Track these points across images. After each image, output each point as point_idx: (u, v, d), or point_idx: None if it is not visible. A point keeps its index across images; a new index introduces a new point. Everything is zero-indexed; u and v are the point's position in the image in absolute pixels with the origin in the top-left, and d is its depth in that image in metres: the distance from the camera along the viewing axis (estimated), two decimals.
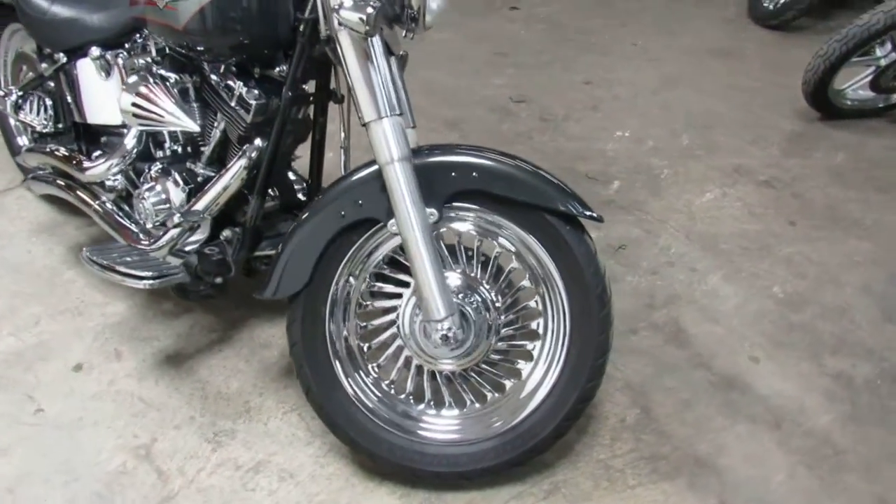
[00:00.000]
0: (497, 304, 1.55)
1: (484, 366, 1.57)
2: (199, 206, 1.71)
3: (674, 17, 4.53)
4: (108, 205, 1.91)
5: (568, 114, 3.28)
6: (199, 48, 1.59)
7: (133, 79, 1.69)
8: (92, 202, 1.94)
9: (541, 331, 1.56)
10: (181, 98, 1.71)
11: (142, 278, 1.61)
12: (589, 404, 1.53)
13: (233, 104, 1.63)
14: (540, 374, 1.54)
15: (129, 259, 1.69)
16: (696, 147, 3.04)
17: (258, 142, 1.65)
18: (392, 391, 1.60)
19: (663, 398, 1.83)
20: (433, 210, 1.43)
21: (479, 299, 1.53)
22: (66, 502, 1.57)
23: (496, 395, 1.58)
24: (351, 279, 1.55)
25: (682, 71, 3.77)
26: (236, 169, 1.68)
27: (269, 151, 1.64)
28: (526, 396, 1.55)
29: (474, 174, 1.44)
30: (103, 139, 1.99)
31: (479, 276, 1.56)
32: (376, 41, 1.39)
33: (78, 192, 1.99)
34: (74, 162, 1.96)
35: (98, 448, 1.68)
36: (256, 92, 1.59)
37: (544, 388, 1.53)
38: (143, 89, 1.65)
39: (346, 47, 1.37)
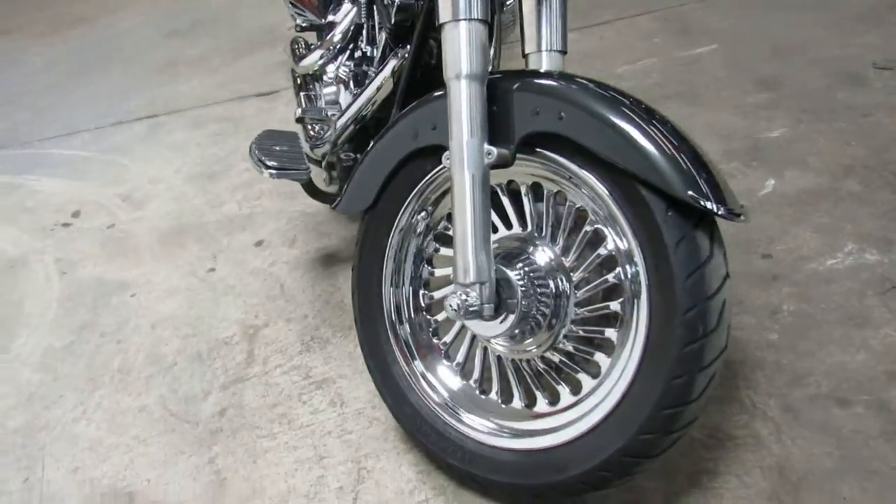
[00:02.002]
0: (565, 291, 1.18)
1: (540, 363, 1.23)
2: (349, 110, 1.65)
3: None
4: (303, 95, 1.97)
5: None
6: None
7: None
8: (298, 93, 2.02)
9: (611, 344, 1.15)
10: None
11: (267, 167, 1.63)
12: (645, 463, 1.09)
13: (385, 1, 1.51)
14: (595, 399, 1.14)
15: (276, 148, 1.72)
16: None
17: (403, 50, 1.50)
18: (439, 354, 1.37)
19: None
20: (501, 149, 1.12)
21: (544, 278, 1.18)
22: (175, 349, 1.74)
23: (546, 403, 1.23)
24: (423, 213, 1.33)
25: None
26: (381, 78, 1.57)
27: (409, 60, 1.48)
28: (567, 420, 1.17)
29: (563, 115, 1.08)
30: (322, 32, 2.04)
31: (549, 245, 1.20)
32: None
33: (297, 81, 2.09)
34: (297, 53, 2.07)
35: (225, 316, 1.82)
36: None
37: (588, 420, 1.13)
38: None
39: None
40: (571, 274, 1.18)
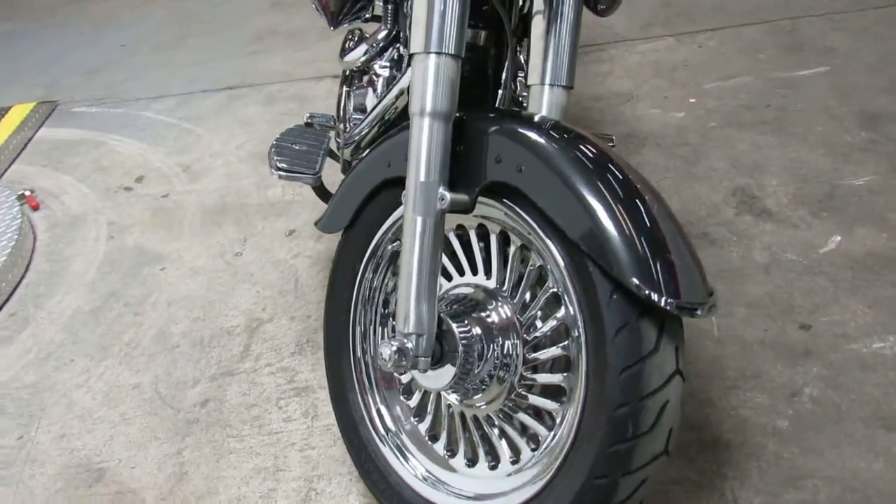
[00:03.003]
0: (516, 353, 1.09)
1: (487, 421, 1.15)
2: (371, 114, 1.61)
3: None
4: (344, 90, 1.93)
5: None
6: None
7: None
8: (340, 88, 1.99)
9: (552, 419, 1.05)
10: None
11: (277, 167, 1.61)
12: None
13: (404, 9, 1.44)
14: (530, 473, 1.05)
15: (295, 147, 1.70)
16: None
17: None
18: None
19: None
20: (460, 195, 1.04)
21: (493, 336, 1.09)
22: (182, 331, 1.79)
23: (486, 466, 1.15)
24: (397, 242, 1.27)
25: None
26: (399, 87, 1.51)
27: None
28: (499, 489, 1.09)
29: (522, 168, 0.99)
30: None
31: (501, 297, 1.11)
32: None
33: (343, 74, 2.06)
34: (346, 46, 2.03)
35: (236, 304, 1.85)
36: None
37: (521, 494, 1.04)
38: None
39: None
40: (525, 336, 1.09)
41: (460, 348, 1.07)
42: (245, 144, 2.59)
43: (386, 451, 1.24)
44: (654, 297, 0.86)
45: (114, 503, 1.38)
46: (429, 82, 1.01)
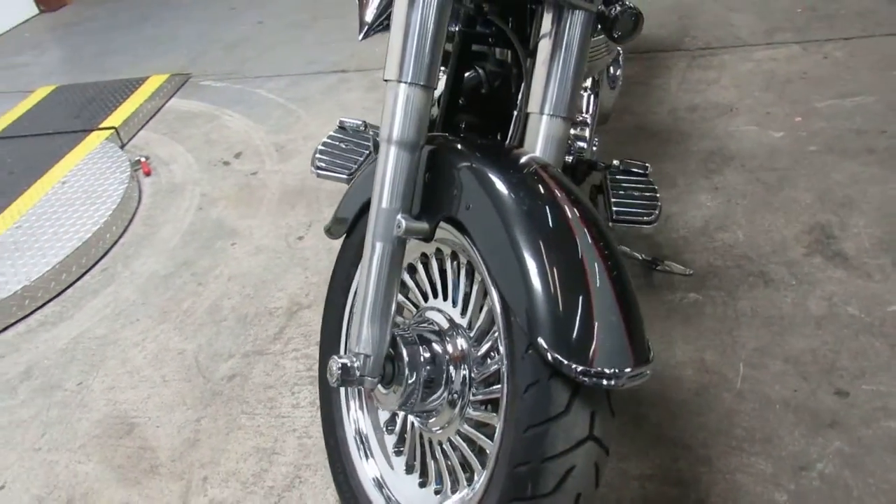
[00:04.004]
0: (464, 385, 1.08)
1: (440, 445, 1.15)
2: None
3: None
4: None
5: None
6: None
7: None
8: None
9: (485, 456, 1.03)
10: None
11: (315, 165, 1.68)
12: None
13: None
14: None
15: (342, 145, 1.75)
16: None
17: (443, 73, 1.44)
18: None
19: None
20: (419, 224, 1.05)
21: (444, 365, 1.09)
22: (232, 305, 1.92)
23: (432, 490, 1.16)
24: None
25: None
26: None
27: (447, 84, 1.42)
28: None
29: (469, 205, 0.98)
30: None
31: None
32: None
33: None
34: None
35: (284, 286, 1.96)
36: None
37: None
38: None
39: None
40: (474, 370, 1.08)
41: (406, 372, 1.08)
42: None
43: (354, 455, 1.29)
44: (560, 360, 0.82)
45: (134, 456, 1.54)
46: (397, 111, 1.02)
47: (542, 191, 0.95)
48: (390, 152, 1.03)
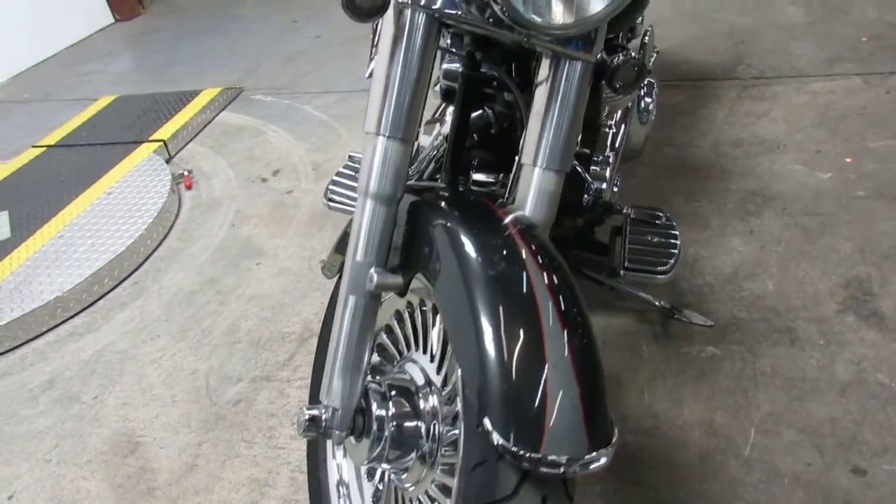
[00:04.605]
0: (435, 443, 1.04)
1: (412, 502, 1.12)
2: (421, 153, 1.62)
3: None
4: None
5: None
6: None
7: None
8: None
9: None
10: None
11: (326, 196, 1.68)
12: None
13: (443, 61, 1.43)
14: None
15: (353, 179, 1.75)
16: None
17: (449, 114, 1.42)
18: None
19: None
20: (393, 279, 1.02)
21: (417, 420, 1.06)
22: (249, 328, 1.94)
23: None
24: None
25: None
26: (431, 137, 1.51)
27: (453, 124, 1.40)
28: None
29: (437, 267, 0.95)
30: None
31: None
32: None
33: None
34: None
35: (300, 311, 1.97)
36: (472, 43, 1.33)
37: None
38: None
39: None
40: (444, 430, 1.04)
41: (375, 427, 1.06)
42: None
43: (334, 499, 1.27)
44: (505, 445, 0.78)
45: (134, 477, 1.57)
46: (375, 164, 1.00)
47: (513, 255, 0.91)
48: (366, 205, 1.02)
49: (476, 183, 1.57)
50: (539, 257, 0.92)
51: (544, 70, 1.06)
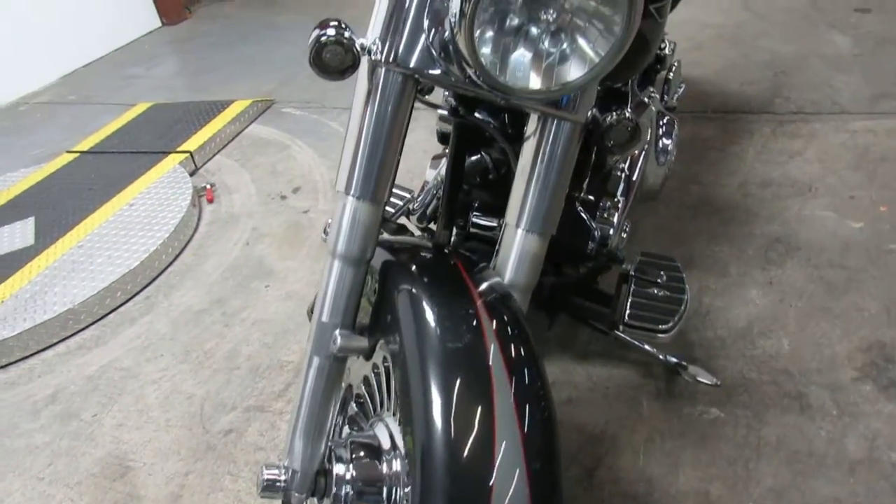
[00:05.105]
0: None
1: None
2: (422, 193, 1.60)
3: None
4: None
5: None
6: None
7: None
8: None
9: None
10: None
11: (325, 231, 1.65)
12: None
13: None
14: None
15: None
16: None
17: (445, 158, 1.39)
18: None
19: None
20: (357, 342, 0.99)
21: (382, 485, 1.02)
22: (249, 353, 1.93)
23: None
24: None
25: None
26: (436, 171, 1.48)
27: (447, 169, 1.36)
28: None
29: (399, 333, 0.91)
30: None
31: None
32: None
33: None
34: None
35: (300, 339, 1.95)
36: (455, 98, 1.30)
37: None
38: None
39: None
40: (407, 492, 1.00)
41: (333, 490, 1.02)
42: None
43: None
44: None
45: (121, 503, 1.57)
46: (343, 225, 0.98)
47: (475, 328, 0.87)
48: (334, 265, 0.99)
49: (476, 226, 1.53)
50: (506, 330, 0.88)
51: (533, 124, 1.02)
